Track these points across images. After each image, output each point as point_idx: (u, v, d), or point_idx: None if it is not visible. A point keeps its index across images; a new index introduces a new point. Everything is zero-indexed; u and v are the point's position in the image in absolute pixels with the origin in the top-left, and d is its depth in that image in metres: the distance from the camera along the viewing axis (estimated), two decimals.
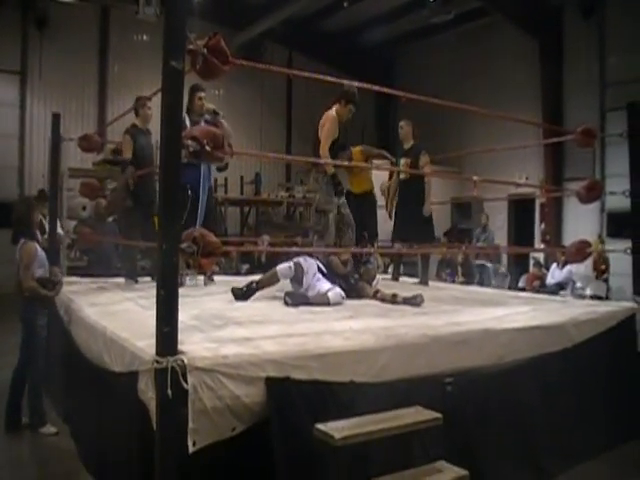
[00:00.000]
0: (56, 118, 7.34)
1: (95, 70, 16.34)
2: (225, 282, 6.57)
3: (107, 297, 5.56)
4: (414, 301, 5.25)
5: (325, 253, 5.76)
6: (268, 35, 16.44)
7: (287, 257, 5.66)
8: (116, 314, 4.56)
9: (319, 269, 5.33)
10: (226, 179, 15.94)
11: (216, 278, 7.00)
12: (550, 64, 14.14)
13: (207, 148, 3.46)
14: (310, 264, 5.31)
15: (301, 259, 5.35)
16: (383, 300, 5.50)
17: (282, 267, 5.32)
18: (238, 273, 11.34)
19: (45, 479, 4.46)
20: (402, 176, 7.53)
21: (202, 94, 6.29)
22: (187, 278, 6.22)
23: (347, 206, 6.49)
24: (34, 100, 15.44)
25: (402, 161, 7.53)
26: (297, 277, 5.26)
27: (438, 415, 3.39)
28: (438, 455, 3.39)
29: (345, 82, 5.52)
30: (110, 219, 9.94)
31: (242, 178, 16.19)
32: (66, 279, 6.13)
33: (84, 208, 11.37)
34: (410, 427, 3.28)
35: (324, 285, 5.21)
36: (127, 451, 3.46)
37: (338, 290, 5.27)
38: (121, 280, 6.58)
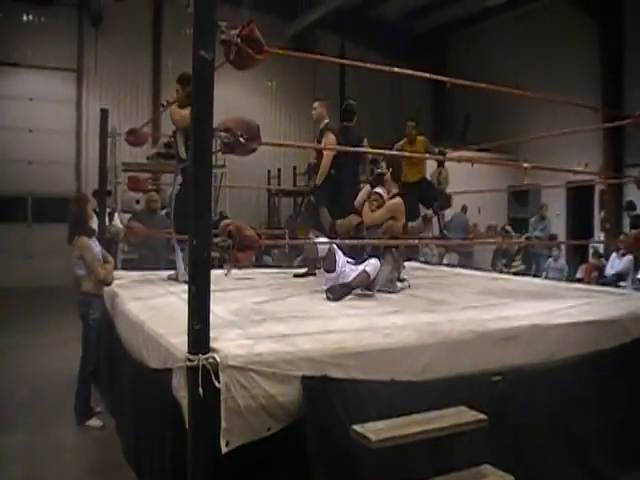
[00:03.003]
0: (104, 113, 7.38)
1: (149, 65, 16.56)
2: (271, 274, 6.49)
3: (151, 290, 5.55)
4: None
5: None
6: (320, 24, 16.28)
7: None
8: (157, 308, 4.53)
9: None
10: (279, 170, 15.96)
11: (262, 270, 6.92)
12: (610, 46, 13.57)
13: (241, 140, 3.35)
14: (339, 252, 5.23)
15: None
16: None
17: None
18: (290, 266, 11.25)
19: (87, 472, 4.48)
20: None
21: None
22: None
23: None
24: (89, 96, 15.75)
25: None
26: (330, 258, 5.13)
27: (483, 417, 3.22)
28: (482, 458, 3.21)
29: (396, 69, 5.31)
30: (163, 212, 10.01)
31: (295, 169, 16.14)
32: (115, 273, 6.14)
33: (137, 202, 11.50)
34: (452, 429, 3.11)
35: (359, 266, 5.15)
36: (163, 449, 3.41)
37: (373, 261, 5.19)
38: (166, 273, 6.50)
